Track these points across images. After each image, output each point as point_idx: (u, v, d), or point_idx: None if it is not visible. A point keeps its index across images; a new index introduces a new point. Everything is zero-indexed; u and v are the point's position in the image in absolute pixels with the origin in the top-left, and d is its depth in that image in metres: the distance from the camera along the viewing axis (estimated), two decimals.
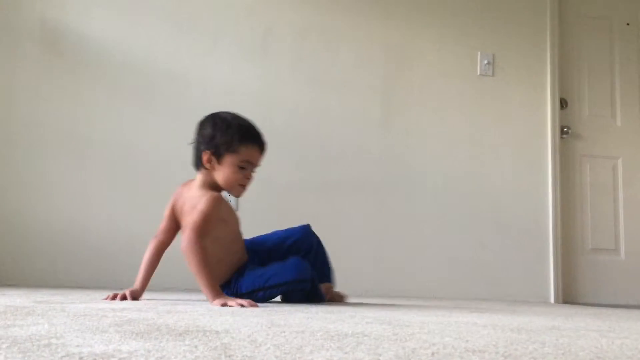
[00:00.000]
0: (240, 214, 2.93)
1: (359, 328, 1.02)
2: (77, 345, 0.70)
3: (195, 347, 0.72)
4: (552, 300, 3.18)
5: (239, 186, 1.83)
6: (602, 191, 3.41)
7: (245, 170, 1.82)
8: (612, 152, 3.45)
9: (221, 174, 1.79)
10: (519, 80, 3.36)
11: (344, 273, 3.05)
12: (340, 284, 3.15)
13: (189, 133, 3.07)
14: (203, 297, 1.72)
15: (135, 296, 1.78)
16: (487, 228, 3.21)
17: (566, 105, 3.41)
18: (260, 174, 3.09)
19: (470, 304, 2.33)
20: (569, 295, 3.27)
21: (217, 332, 0.89)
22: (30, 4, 2.91)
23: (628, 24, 3.55)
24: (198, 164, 1.82)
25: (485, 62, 3.31)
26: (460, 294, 3.08)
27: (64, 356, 0.62)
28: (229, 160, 1.78)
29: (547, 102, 3.34)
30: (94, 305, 1.44)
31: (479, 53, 3.32)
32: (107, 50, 2.95)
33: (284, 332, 0.92)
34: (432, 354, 0.72)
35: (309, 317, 1.25)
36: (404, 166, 3.19)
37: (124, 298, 1.73)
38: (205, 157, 1.78)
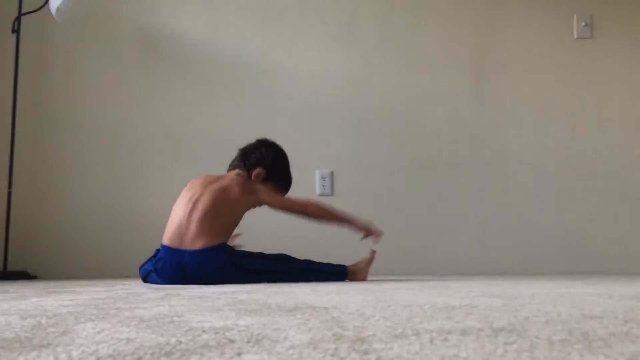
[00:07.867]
0: (335, 195, 2.98)
1: (466, 301, 1.01)
2: (198, 322, 0.74)
3: (308, 320, 0.74)
4: None
5: None
6: None
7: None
8: None
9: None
10: (620, 41, 3.15)
11: (442, 252, 3.02)
12: (439, 264, 3.10)
13: (281, 123, 3.15)
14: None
15: None
16: (595, 200, 3.05)
17: None
18: (354, 156, 3.10)
19: (582, 277, 2.23)
20: None
21: (325, 308, 0.91)
22: (127, 13, 3.07)
23: None
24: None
25: (583, 24, 3.13)
26: (568, 269, 2.95)
27: (187, 330, 0.66)
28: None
29: None
30: (206, 289, 1.52)
31: (575, 15, 3.14)
32: (197, 49, 3.07)
33: (391, 306, 0.92)
34: (547, 321, 0.70)
35: (413, 293, 1.25)
36: (501, 140, 3.09)
37: None
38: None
